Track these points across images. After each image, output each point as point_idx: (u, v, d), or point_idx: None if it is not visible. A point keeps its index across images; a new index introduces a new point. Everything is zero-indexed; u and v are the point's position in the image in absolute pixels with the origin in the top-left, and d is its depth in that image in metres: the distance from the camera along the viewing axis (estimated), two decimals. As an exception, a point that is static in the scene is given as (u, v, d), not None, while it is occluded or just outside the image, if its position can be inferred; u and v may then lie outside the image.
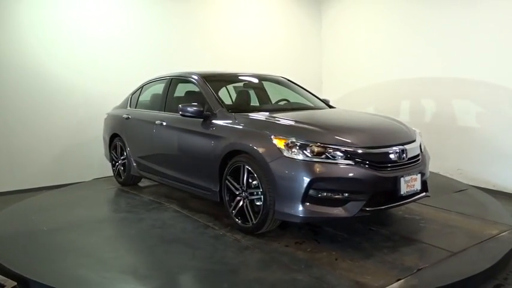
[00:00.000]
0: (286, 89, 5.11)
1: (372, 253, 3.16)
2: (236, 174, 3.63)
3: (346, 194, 3.15)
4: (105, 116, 6.17)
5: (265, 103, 4.97)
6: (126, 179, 5.53)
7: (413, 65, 6.80)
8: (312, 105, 4.76)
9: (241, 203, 3.60)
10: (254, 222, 3.46)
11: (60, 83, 6.21)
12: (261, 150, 3.36)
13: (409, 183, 3.36)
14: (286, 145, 3.24)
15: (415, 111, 6.78)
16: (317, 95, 5.08)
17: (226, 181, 3.71)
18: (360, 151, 3.22)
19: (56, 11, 6.13)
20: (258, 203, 3.47)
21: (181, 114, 4.11)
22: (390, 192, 3.31)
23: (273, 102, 5.01)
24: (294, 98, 4.94)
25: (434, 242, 3.33)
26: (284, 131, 3.41)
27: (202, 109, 4.04)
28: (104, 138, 6.14)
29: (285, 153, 3.22)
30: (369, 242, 3.38)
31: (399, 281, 2.70)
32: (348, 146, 3.22)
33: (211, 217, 4.07)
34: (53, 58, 6.13)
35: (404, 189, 3.31)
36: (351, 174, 3.14)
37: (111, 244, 3.55)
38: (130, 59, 6.72)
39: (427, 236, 3.50)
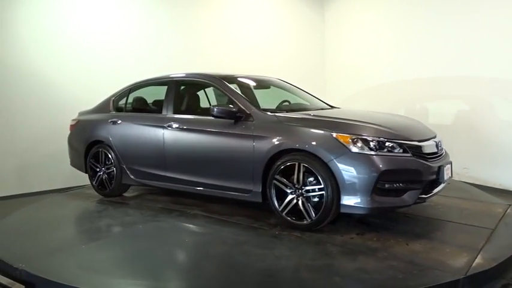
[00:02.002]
0: (285, 91, 5.23)
1: (429, 236, 3.48)
2: (287, 173, 3.67)
3: (406, 184, 3.43)
4: (72, 122, 5.62)
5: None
6: (114, 189, 5.10)
7: (417, 65, 6.80)
8: (325, 105, 4.96)
9: (294, 201, 3.64)
10: (314, 218, 3.54)
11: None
12: (323, 147, 3.46)
13: (447, 172, 3.76)
14: (352, 141, 3.40)
15: (420, 111, 6.77)
16: (317, 96, 5.29)
17: (274, 180, 3.72)
18: (413, 144, 3.53)
19: (57, 15, 6.28)
20: (315, 199, 3.56)
21: (214, 116, 4.01)
22: (434, 180, 3.67)
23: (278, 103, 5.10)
24: (295, 99, 5.08)
25: (469, 222, 3.78)
26: (342, 128, 3.56)
27: (236, 110, 3.99)
28: (72, 146, 5.58)
29: (352, 149, 3.37)
30: (417, 227, 3.69)
31: (478, 256, 3.04)
32: (404, 140, 3.50)
33: (249, 219, 4.02)
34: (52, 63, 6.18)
35: (445, 177, 3.70)
36: (410, 166, 3.42)
37: (193, 260, 3.31)
38: (129, 63, 6.78)
39: (458, 218, 3.94)
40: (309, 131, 3.64)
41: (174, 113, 4.60)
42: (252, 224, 3.89)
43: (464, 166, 6.06)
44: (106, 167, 5.12)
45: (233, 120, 4.02)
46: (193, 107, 4.83)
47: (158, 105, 4.89)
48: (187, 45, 7.24)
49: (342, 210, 3.46)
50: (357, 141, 3.40)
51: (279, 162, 3.69)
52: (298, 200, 3.62)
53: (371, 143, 3.39)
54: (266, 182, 3.80)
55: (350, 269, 2.90)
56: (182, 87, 4.86)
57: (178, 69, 5.17)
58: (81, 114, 5.70)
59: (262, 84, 5.09)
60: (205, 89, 5.39)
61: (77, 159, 5.51)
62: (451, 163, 3.94)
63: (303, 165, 3.56)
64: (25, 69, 6.07)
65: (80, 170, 5.60)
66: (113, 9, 6.76)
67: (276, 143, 3.71)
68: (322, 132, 3.56)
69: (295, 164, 3.60)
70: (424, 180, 3.49)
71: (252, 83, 4.92)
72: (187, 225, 3.92)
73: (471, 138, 6.11)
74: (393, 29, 7.32)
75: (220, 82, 4.40)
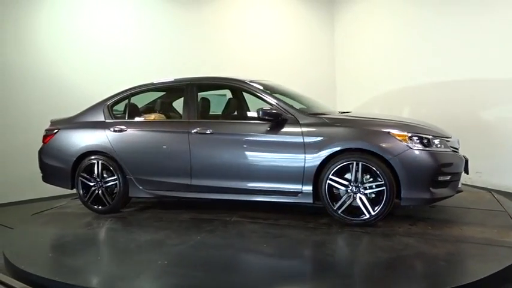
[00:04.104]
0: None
1: (467, 221, 3.92)
2: (341, 172, 3.80)
3: (450, 176, 3.83)
4: (48, 132, 4.96)
5: None
6: (116, 204, 4.62)
7: (428, 69, 6.80)
8: (335, 109, 5.17)
9: (351, 198, 3.79)
10: (373, 214, 3.73)
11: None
12: (384, 145, 3.69)
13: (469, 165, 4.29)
14: (409, 139, 3.69)
15: (431, 115, 6.43)
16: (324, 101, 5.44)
17: (329, 180, 3.83)
18: (450, 140, 3.97)
19: (71, 19, 6.84)
20: (372, 195, 3.76)
21: (260, 119, 3.97)
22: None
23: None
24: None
25: (487, 207, 4.35)
26: (397, 127, 3.84)
27: (280, 113, 4.01)
28: (49, 160, 4.92)
29: (411, 146, 3.66)
30: (447, 215, 4.13)
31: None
32: (443, 137, 3.92)
33: (297, 221, 4.04)
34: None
35: (468, 169, 4.22)
36: (452, 159, 3.83)
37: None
38: (138, 65, 7.15)
39: (477, 204, 4.47)
40: (366, 131, 3.83)
41: (200, 117, 4.39)
42: (307, 225, 3.91)
43: (476, 170, 5.90)
44: (104, 180, 4.61)
45: (274, 123, 4.02)
46: (223, 112, 4.69)
47: (172, 110, 4.60)
48: (195, 49, 7.55)
49: (403, 203, 3.71)
50: (413, 139, 3.70)
51: (335, 162, 3.80)
52: (355, 197, 3.78)
53: (424, 140, 3.72)
54: (317, 183, 3.88)
55: (442, 253, 3.15)
56: (196, 92, 4.60)
57: (182, 74, 4.96)
58: (56, 122, 5.03)
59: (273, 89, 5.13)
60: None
61: (59, 175, 4.86)
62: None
63: (361, 164, 3.73)
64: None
65: (62, 186, 4.96)
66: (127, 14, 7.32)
67: (333, 143, 3.82)
68: (379, 131, 3.79)
69: (351, 163, 3.75)
70: (460, 172, 3.94)
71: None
72: (247, 231, 3.79)
73: (484, 143, 6.08)
74: (403, 33, 7.34)
75: (250, 85, 4.34)
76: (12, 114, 6.45)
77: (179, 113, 4.75)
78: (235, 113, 4.91)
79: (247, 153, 4.14)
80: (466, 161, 4.09)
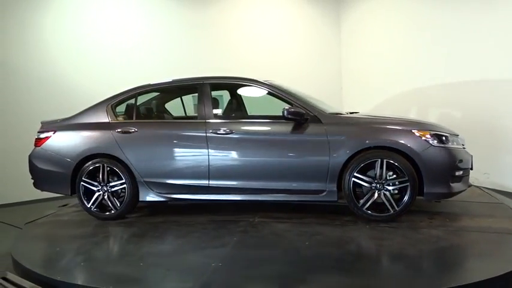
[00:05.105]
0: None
1: (477, 213, 4.20)
2: (364, 170, 3.92)
3: (464, 172, 4.09)
4: (41, 134, 4.61)
5: None
6: (124, 210, 4.40)
7: (436, 71, 6.75)
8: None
9: (375, 195, 3.92)
10: (397, 209, 3.88)
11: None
12: (408, 143, 3.85)
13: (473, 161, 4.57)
14: (431, 136, 3.89)
15: (439, 117, 6.72)
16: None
17: (354, 178, 3.93)
18: (460, 138, 4.23)
19: (76, 20, 6.94)
20: (395, 191, 3.92)
21: (285, 118, 3.98)
22: (468, 169, 4.44)
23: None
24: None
25: (482, 200, 4.68)
26: (418, 125, 4.03)
27: (305, 112, 4.05)
28: (43, 165, 4.58)
29: (433, 143, 3.86)
30: (455, 208, 4.39)
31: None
32: (455, 135, 4.17)
33: (320, 219, 4.09)
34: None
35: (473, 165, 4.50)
36: (465, 156, 4.10)
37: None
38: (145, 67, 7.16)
39: (473, 198, 4.78)
40: (390, 129, 3.99)
41: (217, 117, 4.31)
42: (333, 222, 3.98)
43: (484, 172, 5.95)
44: (110, 185, 4.38)
45: (297, 123, 4.06)
46: (240, 111, 4.68)
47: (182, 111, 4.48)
48: (200, 49, 7.61)
49: (425, 198, 3.91)
50: (433, 137, 3.90)
51: (360, 160, 3.91)
52: (380, 193, 3.91)
53: (442, 138, 3.95)
54: (341, 181, 3.97)
55: (472, 243, 3.38)
56: (209, 92, 4.52)
57: (186, 75, 4.81)
58: (49, 124, 4.70)
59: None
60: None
61: (55, 180, 4.55)
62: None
63: (386, 161, 3.87)
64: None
65: (58, 192, 4.68)
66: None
67: (359, 142, 3.92)
68: (403, 129, 3.96)
69: (376, 161, 3.88)
70: (469, 168, 4.22)
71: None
72: (279, 231, 3.78)
73: (491, 144, 6.06)
74: (410, 34, 7.27)
75: (271, 86, 4.34)
76: (16, 114, 6.50)
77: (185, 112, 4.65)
78: (236, 113, 4.89)
79: (270, 152, 4.14)
80: (471, 158, 4.38)
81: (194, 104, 5.49)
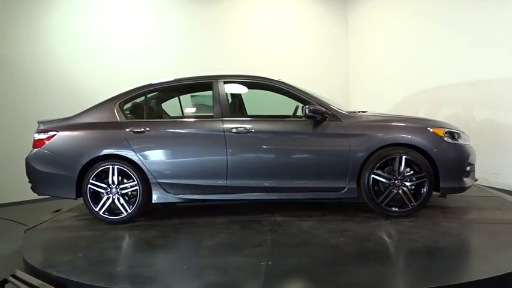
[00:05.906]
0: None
1: (483, 206, 4.43)
2: (383, 167, 4.03)
3: (471, 167, 4.30)
4: (41, 135, 4.34)
5: None
6: (136, 212, 4.23)
7: (444, 71, 6.71)
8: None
9: (394, 191, 4.02)
10: (415, 204, 4.01)
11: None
12: (426, 140, 4.00)
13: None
14: (445, 133, 4.06)
15: (446, 116, 6.58)
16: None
17: (373, 175, 4.02)
18: (466, 134, 4.45)
19: (83, 20, 7.01)
20: (411, 187, 4.05)
21: (307, 116, 4.01)
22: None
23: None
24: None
25: (478, 194, 4.93)
26: (432, 123, 4.20)
27: (325, 111, 4.10)
28: (45, 168, 4.31)
29: (448, 140, 4.03)
30: (461, 201, 4.60)
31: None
32: (462, 132, 4.38)
33: (340, 216, 4.15)
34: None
35: (475, 162, 4.74)
36: (473, 152, 4.31)
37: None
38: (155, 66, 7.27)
39: (469, 192, 4.99)
40: (408, 127, 4.11)
41: (234, 115, 4.26)
42: (354, 219, 4.04)
43: (493, 171, 6.00)
44: (121, 187, 4.19)
45: (317, 121, 4.10)
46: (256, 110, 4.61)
47: (198, 109, 4.38)
48: (206, 48, 7.64)
49: (441, 193, 4.07)
50: (447, 134, 4.07)
51: (380, 157, 4.00)
52: (398, 189, 4.02)
53: (455, 135, 4.13)
54: (361, 178, 4.05)
55: (490, 232, 3.54)
56: (225, 90, 4.44)
57: (191, 74, 4.71)
58: (48, 124, 4.43)
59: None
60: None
61: (58, 184, 4.30)
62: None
63: (404, 158, 3.99)
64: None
65: (61, 196, 4.42)
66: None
67: (379, 139, 4.01)
68: (419, 127, 4.09)
69: (394, 158, 3.99)
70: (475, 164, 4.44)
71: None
72: (307, 228, 3.79)
73: (500, 144, 6.04)
74: (418, 34, 7.22)
75: (287, 85, 4.34)
76: (21, 115, 6.49)
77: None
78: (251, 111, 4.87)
79: (291, 150, 4.14)
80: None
81: (195, 104, 5.43)
